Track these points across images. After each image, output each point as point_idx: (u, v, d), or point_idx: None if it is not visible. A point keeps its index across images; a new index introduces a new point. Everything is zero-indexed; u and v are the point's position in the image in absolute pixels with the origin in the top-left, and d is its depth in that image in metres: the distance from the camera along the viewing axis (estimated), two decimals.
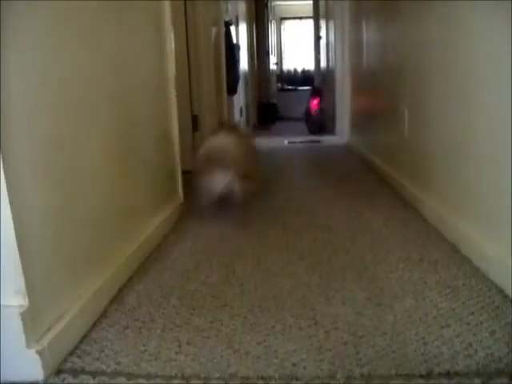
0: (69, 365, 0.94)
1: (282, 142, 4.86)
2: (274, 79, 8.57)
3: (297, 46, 9.40)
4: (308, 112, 4.69)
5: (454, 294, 1.20)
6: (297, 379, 0.88)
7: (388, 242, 1.62)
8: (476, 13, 1.39)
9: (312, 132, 4.50)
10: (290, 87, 9.09)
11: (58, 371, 0.92)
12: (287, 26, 9.60)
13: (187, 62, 3.06)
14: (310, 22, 7.94)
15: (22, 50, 0.90)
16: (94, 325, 1.10)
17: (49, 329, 0.93)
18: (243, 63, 5.16)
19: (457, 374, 0.87)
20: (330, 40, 5.37)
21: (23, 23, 0.90)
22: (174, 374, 0.91)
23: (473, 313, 1.09)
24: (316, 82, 5.32)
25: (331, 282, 1.30)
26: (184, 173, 2.20)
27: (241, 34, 5.02)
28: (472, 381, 0.85)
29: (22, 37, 0.90)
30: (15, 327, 0.85)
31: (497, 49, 1.25)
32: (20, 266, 0.86)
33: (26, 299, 0.87)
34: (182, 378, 0.90)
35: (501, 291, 1.19)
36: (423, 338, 0.99)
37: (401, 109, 2.29)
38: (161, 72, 1.92)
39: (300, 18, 9.26)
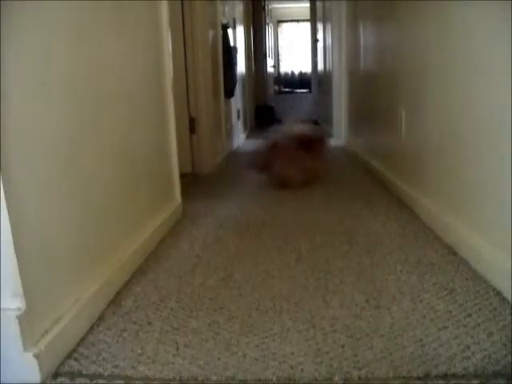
0: (66, 368, 0.94)
1: None
2: (271, 82, 8.59)
3: (294, 49, 9.42)
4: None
5: (451, 296, 1.20)
6: (295, 382, 0.88)
7: (385, 244, 1.62)
8: (474, 14, 1.40)
9: None
10: (287, 90, 9.11)
11: (56, 374, 0.92)
12: (284, 28, 9.62)
13: (184, 64, 3.07)
14: (307, 25, 7.98)
15: (21, 50, 0.90)
16: (92, 328, 1.10)
17: (46, 332, 0.93)
18: (240, 66, 5.17)
19: (454, 376, 0.87)
20: (327, 43, 5.39)
21: (22, 24, 0.90)
22: (171, 377, 0.90)
23: (470, 315, 1.10)
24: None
25: (329, 284, 1.31)
26: (181, 175, 2.20)
27: (238, 37, 5.02)
28: (470, 383, 0.86)
29: (20, 38, 0.90)
30: (12, 330, 0.85)
31: (495, 50, 1.26)
32: (17, 268, 0.85)
33: (24, 302, 0.87)
34: (180, 381, 0.90)
35: (498, 293, 1.20)
36: (421, 340, 0.99)
37: (398, 111, 2.30)
38: (158, 74, 1.92)
39: (297, 20, 9.29)
